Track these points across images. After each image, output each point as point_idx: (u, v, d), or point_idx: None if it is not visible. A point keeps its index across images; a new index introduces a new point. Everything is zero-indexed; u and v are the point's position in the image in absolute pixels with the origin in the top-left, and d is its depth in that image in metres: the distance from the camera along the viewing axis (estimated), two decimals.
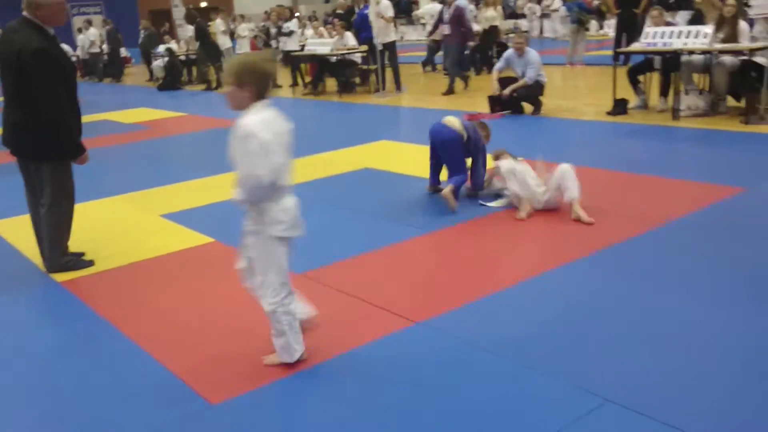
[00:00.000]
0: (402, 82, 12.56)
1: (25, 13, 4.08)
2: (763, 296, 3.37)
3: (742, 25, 7.79)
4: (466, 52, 12.66)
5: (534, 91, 8.96)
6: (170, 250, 4.73)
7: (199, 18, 15.89)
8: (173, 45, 17.40)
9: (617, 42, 12.84)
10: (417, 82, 14.21)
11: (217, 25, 16.42)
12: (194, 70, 17.44)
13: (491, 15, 14.53)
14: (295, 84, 14.49)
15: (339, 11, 14.96)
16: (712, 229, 4.34)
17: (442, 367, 2.93)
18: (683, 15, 11.84)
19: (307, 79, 14.15)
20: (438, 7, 15.64)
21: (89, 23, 21.62)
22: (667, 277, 3.68)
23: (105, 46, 21.11)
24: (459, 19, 11.49)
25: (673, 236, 4.28)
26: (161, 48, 17.40)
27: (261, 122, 2.75)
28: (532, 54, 8.96)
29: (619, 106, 8.54)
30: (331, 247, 4.53)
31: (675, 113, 7.99)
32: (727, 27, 7.81)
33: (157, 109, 12.88)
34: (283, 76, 15.64)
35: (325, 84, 13.65)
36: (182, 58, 17.40)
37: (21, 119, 4.13)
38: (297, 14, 20.98)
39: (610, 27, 19.62)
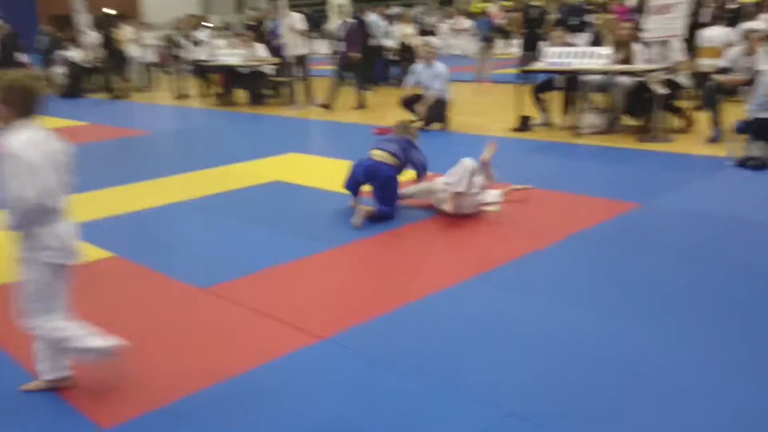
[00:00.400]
0: (313, 95, 12.52)
1: None
2: (650, 308, 3.52)
3: (637, 47, 8.20)
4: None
5: (440, 109, 9.11)
6: None
7: (109, 25, 15.49)
8: (75, 52, 16.72)
9: (522, 60, 13.31)
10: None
11: (125, 32, 15.95)
12: (97, 77, 16.83)
13: (410, 31, 14.74)
14: (204, 94, 14.20)
15: (250, 22, 14.79)
16: (609, 243, 4.53)
17: (346, 383, 2.91)
18: (583, 37, 12.35)
19: (218, 89, 13.89)
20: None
21: None
22: (568, 290, 3.80)
23: None
24: (354, 35, 11.58)
25: (573, 250, 4.43)
26: (63, 54, 16.69)
27: (26, 142, 2.59)
28: (440, 66, 9.13)
29: (524, 123, 8.80)
30: (238, 261, 4.44)
31: (576, 131, 8.31)
32: (624, 49, 8.20)
33: (57, 117, 12.33)
34: (193, 86, 15.31)
35: (235, 95, 13.44)
36: (85, 65, 16.76)
37: None
38: (208, 24, 20.63)
39: (515, 46, 20.27)
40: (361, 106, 11.70)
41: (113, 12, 23.33)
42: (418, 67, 9.17)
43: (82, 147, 9.52)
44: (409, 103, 9.39)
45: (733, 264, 4.06)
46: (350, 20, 12.02)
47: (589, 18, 14.29)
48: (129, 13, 26.29)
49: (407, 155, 5.42)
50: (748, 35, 7.62)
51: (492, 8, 23.57)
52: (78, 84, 16.36)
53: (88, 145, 9.43)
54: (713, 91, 7.54)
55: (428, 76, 9.06)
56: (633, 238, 4.64)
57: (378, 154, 5.31)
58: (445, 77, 9.07)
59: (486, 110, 11.01)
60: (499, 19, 21.07)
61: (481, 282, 3.95)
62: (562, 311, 3.52)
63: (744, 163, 6.26)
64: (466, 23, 22.61)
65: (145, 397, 2.85)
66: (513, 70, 11.95)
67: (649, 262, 4.16)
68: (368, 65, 14.41)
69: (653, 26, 7.73)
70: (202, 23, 15.69)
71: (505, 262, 4.23)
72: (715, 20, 11.42)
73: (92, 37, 16.28)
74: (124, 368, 3.09)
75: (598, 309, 3.53)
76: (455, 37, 23.52)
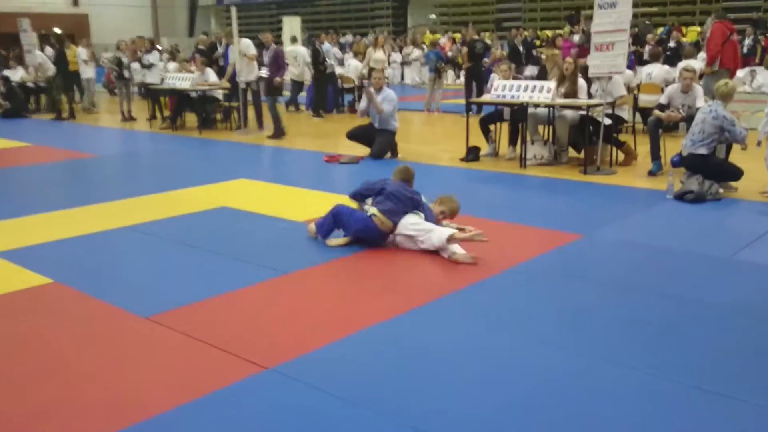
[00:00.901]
0: (264, 121, 12.51)
1: None
2: (590, 337, 3.60)
3: (581, 82, 8.46)
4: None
5: (388, 138, 9.18)
6: None
7: (65, 44, 15.29)
8: (20, 71, 16.38)
9: (468, 92, 13.66)
10: None
11: (79, 53, 15.69)
12: (43, 98, 16.51)
13: (381, 57, 14.86)
14: (153, 117, 14.04)
15: (201, 47, 14.73)
16: (551, 274, 4.61)
17: (290, 413, 2.88)
18: (531, 69, 12.69)
19: (167, 113, 13.76)
20: (301, 49, 15.86)
21: None
22: (510, 320, 3.85)
23: None
24: (279, 61, 11.65)
25: (517, 280, 4.50)
26: (5, 73, 16.33)
27: None
28: (390, 92, 9.25)
29: (472, 153, 8.95)
30: (181, 289, 4.37)
31: (522, 162, 8.48)
32: (568, 83, 8.45)
33: (6, 138, 12.01)
34: (141, 109, 15.14)
35: (185, 119, 13.33)
36: (30, 85, 16.43)
37: None
38: (159, 47, 20.45)
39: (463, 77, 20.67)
40: (277, 135, 11.44)
41: (62, 32, 22.95)
42: (368, 88, 9.28)
43: (24, 169, 9.38)
44: (354, 136, 9.45)
45: (668, 295, 4.18)
46: (275, 46, 12.09)
47: (537, 52, 14.74)
48: (78, 34, 25.91)
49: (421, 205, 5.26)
50: (682, 73, 7.94)
51: (442, 40, 24.06)
52: (21, 104, 16.01)
53: (30, 168, 9.21)
54: (653, 126, 7.81)
55: (379, 100, 9.13)
56: (575, 268, 4.75)
57: (379, 220, 5.07)
58: (395, 103, 9.17)
59: (435, 140, 11.17)
60: (449, 50, 21.53)
61: (426, 312, 3.98)
62: (504, 341, 3.57)
63: (681, 197, 6.48)
64: (417, 53, 22.98)
65: (83, 429, 2.76)
66: (462, 101, 12.20)
67: (590, 293, 4.25)
68: (321, 92, 14.51)
69: (597, 62, 7.98)
70: (153, 46, 15.53)
71: (450, 292, 4.27)
72: (655, 58, 11.85)
73: (38, 56, 15.98)
74: (60, 397, 3.00)
75: (540, 338, 3.59)
76: (406, 67, 23.86)
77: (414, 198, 5.25)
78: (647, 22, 21.60)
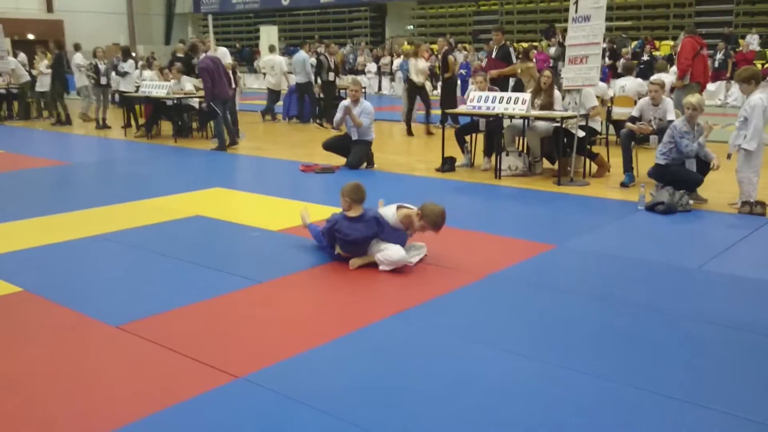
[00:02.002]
0: (240, 130, 12.46)
1: None
2: (560, 347, 3.63)
3: (557, 94, 8.56)
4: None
5: (364, 149, 9.19)
6: None
7: (64, 49, 15.11)
8: None
9: (444, 103, 13.73)
10: (256, 130, 14.16)
11: (75, 60, 15.42)
12: (15, 104, 16.32)
13: (422, 67, 14.77)
14: (128, 126, 13.94)
15: (179, 54, 14.66)
16: (523, 283, 4.64)
17: (260, 424, 2.87)
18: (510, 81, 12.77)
19: (142, 121, 13.67)
20: (278, 58, 15.85)
21: None
22: (482, 329, 3.87)
23: None
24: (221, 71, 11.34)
25: (490, 290, 4.53)
26: None
27: None
28: (366, 104, 9.25)
29: (447, 164, 8.99)
30: (153, 297, 4.33)
31: (497, 173, 8.54)
32: (544, 95, 8.54)
33: None
34: (115, 117, 15.02)
35: (160, 127, 13.25)
36: (2, 91, 16.23)
37: None
38: (134, 54, 20.32)
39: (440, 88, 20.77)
40: (221, 147, 11.15)
41: (35, 38, 22.67)
42: (346, 104, 9.26)
43: None
44: (330, 147, 9.44)
45: (635, 304, 4.23)
46: (211, 54, 11.81)
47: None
48: (51, 40, 25.64)
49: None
50: (649, 86, 8.08)
51: (421, 50, 24.10)
52: None
53: (0, 175, 9.09)
54: (625, 139, 7.91)
55: (356, 112, 9.14)
56: (547, 278, 4.79)
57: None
58: (372, 115, 9.20)
59: (411, 150, 11.21)
60: (428, 61, 21.57)
61: (399, 321, 3.99)
62: (475, 350, 3.58)
63: (653, 208, 6.57)
64: (395, 64, 23.04)
65: None
66: (438, 112, 12.25)
67: (561, 302, 4.29)
68: (328, 102, 14.47)
69: (571, 75, 8.08)
70: (128, 54, 15.42)
71: (422, 301, 4.28)
72: (628, 71, 12.03)
73: (11, 62, 15.80)
74: (29, 407, 2.96)
75: (511, 348, 3.61)
76: (384, 77, 23.94)
77: (370, 235, 4.91)
78: (623, 36, 21.93)
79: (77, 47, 16.08)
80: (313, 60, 15.15)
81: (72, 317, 4.02)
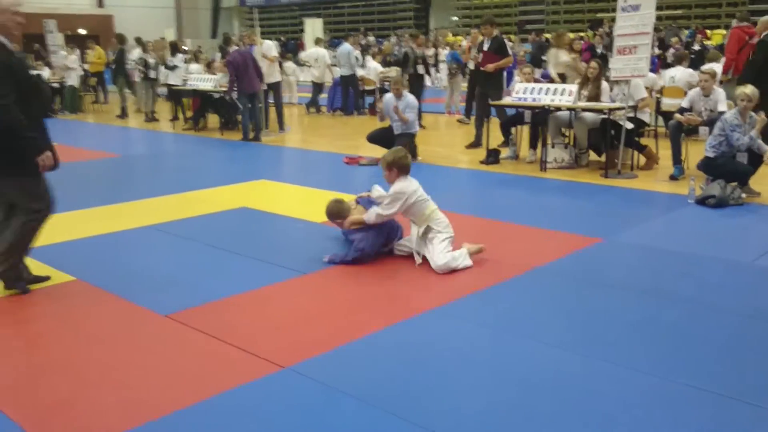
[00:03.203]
0: (285, 122, 12.58)
1: None
2: (606, 342, 3.58)
3: (604, 85, 8.41)
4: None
5: (408, 141, 9.11)
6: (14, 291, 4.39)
7: (126, 44, 15.38)
8: (45, 72, 16.62)
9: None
10: (300, 122, 14.28)
11: (134, 54, 15.65)
12: (67, 97, 16.75)
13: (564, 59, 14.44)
14: (176, 118, 14.19)
15: (224, 48, 14.85)
16: (569, 277, 4.59)
17: (304, 413, 2.91)
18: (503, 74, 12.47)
19: (189, 114, 13.90)
20: (322, 51, 15.93)
21: None
22: (525, 323, 3.84)
23: None
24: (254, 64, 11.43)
25: (534, 283, 4.49)
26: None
27: None
28: (410, 97, 9.19)
29: (492, 156, 8.93)
30: (200, 287, 4.42)
31: (543, 165, 8.45)
32: (591, 86, 8.40)
33: None
34: (164, 110, 15.28)
35: (207, 120, 13.45)
36: (55, 85, 16.67)
37: None
38: (184, 48, 20.67)
39: None
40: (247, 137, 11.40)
41: (87, 33, 23.20)
42: (389, 97, 9.24)
43: None
44: (374, 139, 9.43)
45: (687, 299, 4.15)
46: (243, 48, 11.80)
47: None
48: (102, 35, 26.24)
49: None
50: (699, 75, 7.87)
51: (464, 41, 23.97)
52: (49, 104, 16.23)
53: None
54: (674, 130, 7.74)
55: (402, 106, 9.10)
56: (593, 272, 4.72)
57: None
58: (416, 109, 9.16)
59: (456, 142, 11.15)
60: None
61: (442, 314, 3.99)
62: (519, 344, 3.56)
63: (703, 201, 6.42)
64: (441, 54, 22.86)
65: (100, 424, 2.81)
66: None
67: (608, 296, 4.24)
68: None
69: (619, 66, 7.93)
70: (177, 48, 15.67)
71: (466, 294, 4.27)
72: (678, 61, 11.74)
73: (64, 57, 16.20)
74: (82, 393, 3.05)
75: (554, 342, 3.58)
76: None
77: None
78: (673, 25, 21.40)
79: (139, 41, 16.10)
80: (358, 53, 15.17)
81: (123, 306, 4.13)
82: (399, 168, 4.94)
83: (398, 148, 5.30)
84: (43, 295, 4.38)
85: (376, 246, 5.01)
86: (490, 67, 9.78)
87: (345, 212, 5.20)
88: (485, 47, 9.99)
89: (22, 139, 4.09)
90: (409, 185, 4.94)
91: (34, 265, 4.89)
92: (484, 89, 10.03)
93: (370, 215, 4.96)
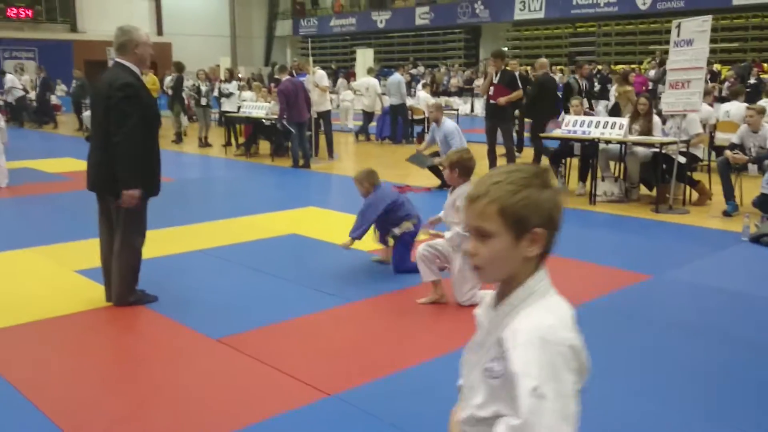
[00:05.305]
0: (334, 150, 12.77)
1: (117, 58, 4.42)
2: (654, 381, 3.53)
3: (656, 119, 8.33)
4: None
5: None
6: (76, 310, 4.57)
7: (184, 71, 15.80)
8: None
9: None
10: (350, 150, 14.45)
11: (190, 86, 16.04)
12: None
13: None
14: (228, 144, 14.53)
15: (277, 77, 15.17)
16: (617, 315, 4.54)
17: None
18: (602, 104, 12.49)
19: (241, 140, 14.22)
20: (373, 81, 16.14)
21: (21, 69, 21.33)
22: None
23: (34, 93, 20.80)
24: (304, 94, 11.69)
25: (580, 321, 4.43)
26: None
27: None
28: (448, 123, 9.25)
29: None
30: (250, 312, 4.51)
31: (592, 198, 8.39)
32: (642, 120, 8.34)
33: (82, 159, 12.63)
34: (217, 135, 15.64)
35: (258, 146, 13.73)
36: None
37: (104, 156, 4.33)
38: (240, 75, 21.21)
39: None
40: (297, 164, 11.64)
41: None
42: (432, 127, 9.35)
43: None
44: (430, 168, 9.50)
45: (740, 341, 4.06)
46: (296, 79, 12.01)
47: (611, 86, 14.45)
48: (160, 62, 27.03)
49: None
50: (746, 112, 7.74)
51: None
52: None
53: None
54: (723, 167, 7.61)
55: (441, 136, 9.19)
56: (642, 310, 4.66)
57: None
58: (455, 134, 9.15)
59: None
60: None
61: None
62: None
63: (758, 240, 6.29)
64: None
65: None
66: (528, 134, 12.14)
67: (656, 336, 4.18)
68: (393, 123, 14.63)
69: (671, 100, 7.86)
70: (232, 75, 16.09)
71: None
72: (734, 95, 11.55)
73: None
74: (136, 413, 3.15)
75: (601, 381, 3.54)
76: (477, 98, 23.90)
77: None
78: (743, 63, 20.87)
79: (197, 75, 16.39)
80: (406, 77, 15.32)
81: (175, 328, 4.24)
82: (461, 169, 4.64)
83: (464, 148, 5.10)
84: (96, 316, 4.53)
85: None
86: (502, 100, 9.79)
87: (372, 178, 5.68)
88: (495, 80, 9.98)
89: (128, 168, 4.31)
90: None
91: (90, 285, 5.07)
92: (493, 122, 10.12)
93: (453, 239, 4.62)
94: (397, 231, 5.48)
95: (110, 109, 4.27)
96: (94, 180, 4.50)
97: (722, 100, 14.62)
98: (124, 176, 4.31)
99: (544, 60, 11.68)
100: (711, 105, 11.18)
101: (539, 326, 1.44)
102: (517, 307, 1.50)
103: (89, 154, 4.54)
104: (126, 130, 4.24)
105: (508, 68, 10.35)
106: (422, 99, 15.74)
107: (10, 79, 20.30)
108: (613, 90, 12.87)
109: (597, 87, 17.15)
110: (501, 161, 10.12)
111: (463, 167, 4.64)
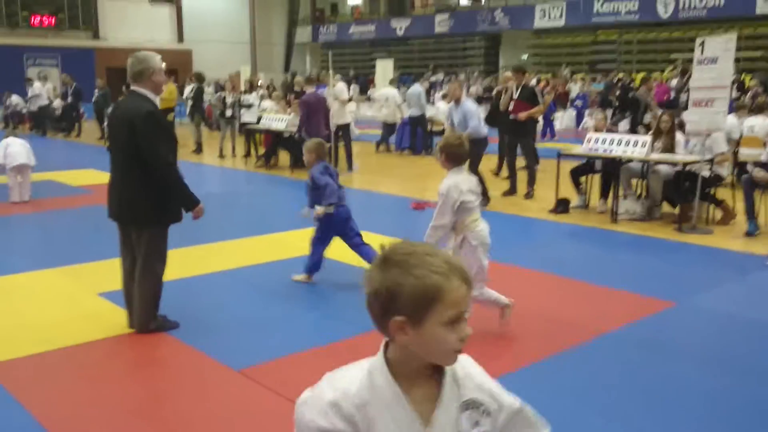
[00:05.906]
0: (354, 162, 12.78)
1: (134, 86, 4.45)
2: (673, 419, 3.48)
3: (679, 137, 8.25)
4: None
5: (477, 151, 8.72)
6: (98, 337, 4.58)
7: (204, 81, 15.85)
8: None
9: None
10: (369, 161, 14.45)
11: (208, 93, 16.10)
12: None
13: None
14: (248, 155, 14.61)
15: (296, 89, 15.24)
16: (639, 346, 4.47)
17: None
18: (624, 125, 12.44)
19: (261, 151, 14.28)
20: (392, 91, 16.15)
21: (45, 77, 21.56)
22: (590, 395, 3.77)
23: (58, 101, 21.01)
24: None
25: (600, 353, 4.39)
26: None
27: None
28: (468, 104, 9.18)
29: (562, 205, 8.84)
30: (273, 340, 4.51)
31: (613, 216, 8.31)
32: (665, 138, 8.26)
33: (105, 171, 12.71)
34: (237, 145, 15.70)
35: (278, 158, 13.78)
36: None
37: (131, 189, 4.40)
38: (260, 83, 21.27)
39: (558, 120, 20.48)
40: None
41: (165, 67, 24.04)
42: (450, 107, 9.29)
43: None
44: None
45: (758, 372, 4.00)
46: (319, 92, 12.05)
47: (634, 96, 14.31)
48: (181, 69, 27.25)
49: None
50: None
51: (532, 81, 23.85)
52: None
53: None
54: (747, 185, 7.50)
55: (460, 116, 9.11)
56: (665, 340, 4.59)
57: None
58: (477, 114, 9.06)
59: (524, 189, 11.05)
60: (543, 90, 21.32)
61: (507, 382, 3.94)
62: (585, 420, 3.50)
63: None
64: None
65: None
66: (548, 144, 12.07)
67: (679, 368, 4.12)
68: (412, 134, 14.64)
69: (695, 118, 7.78)
70: (252, 86, 16.16)
71: (526, 364, 4.19)
72: (760, 109, 11.40)
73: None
74: None
75: (626, 420, 3.50)
76: None
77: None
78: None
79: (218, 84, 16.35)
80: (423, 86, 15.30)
81: (197, 358, 4.25)
82: (447, 155, 4.44)
83: (456, 134, 4.86)
84: (112, 343, 4.55)
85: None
86: (522, 115, 9.70)
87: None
88: (514, 95, 9.88)
89: (181, 192, 4.45)
90: (459, 184, 4.37)
91: (112, 309, 5.09)
92: (513, 137, 10.01)
93: (426, 234, 4.49)
94: (319, 209, 5.73)
95: (135, 136, 4.30)
96: (118, 212, 4.54)
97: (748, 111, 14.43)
98: (184, 203, 4.50)
99: (508, 74, 11.40)
100: (742, 118, 11.07)
101: None
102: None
103: (110, 183, 4.57)
104: (162, 161, 4.33)
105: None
106: (441, 110, 15.71)
107: (37, 87, 20.49)
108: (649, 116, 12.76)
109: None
110: (521, 174, 10.07)
111: (449, 153, 4.45)
